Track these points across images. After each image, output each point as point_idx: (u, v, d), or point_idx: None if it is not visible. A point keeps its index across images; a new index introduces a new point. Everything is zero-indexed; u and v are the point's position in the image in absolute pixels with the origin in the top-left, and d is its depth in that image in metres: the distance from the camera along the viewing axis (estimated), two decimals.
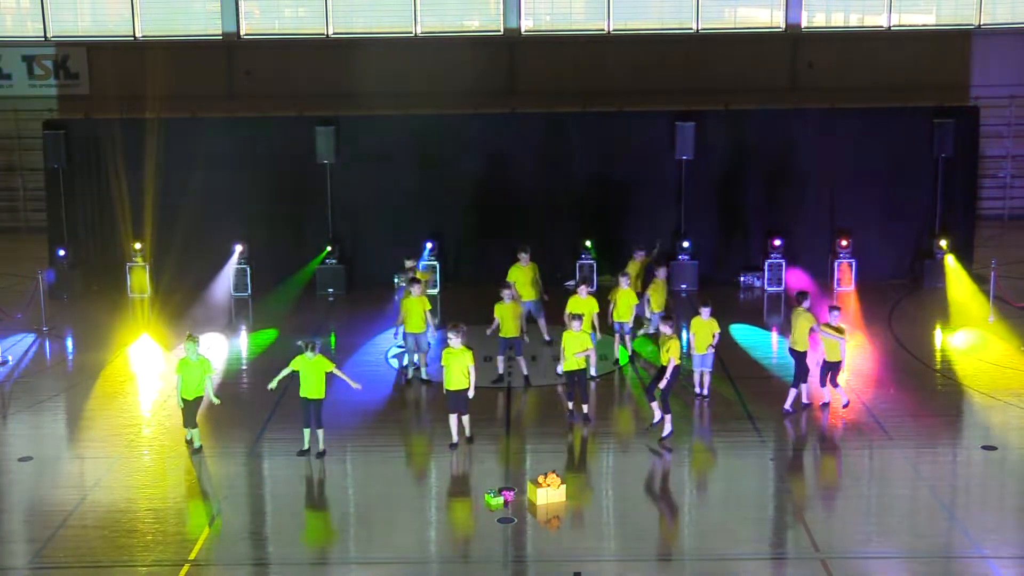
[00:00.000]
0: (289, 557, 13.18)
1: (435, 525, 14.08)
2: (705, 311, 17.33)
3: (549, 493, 14.02)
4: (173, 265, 23.74)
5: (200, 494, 14.83)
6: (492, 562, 12.97)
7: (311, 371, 15.31)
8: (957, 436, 16.51)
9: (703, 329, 17.32)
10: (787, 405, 16.79)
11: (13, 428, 17.05)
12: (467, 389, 15.60)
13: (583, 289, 18.20)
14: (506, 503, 13.99)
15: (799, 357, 16.76)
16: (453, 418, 15.73)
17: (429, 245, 23.92)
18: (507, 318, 18.04)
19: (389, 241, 24.24)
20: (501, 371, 18.46)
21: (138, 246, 23.80)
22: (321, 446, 15.53)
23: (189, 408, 15.58)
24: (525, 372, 18.43)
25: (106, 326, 21.88)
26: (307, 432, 15.50)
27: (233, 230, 23.96)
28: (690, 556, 13.09)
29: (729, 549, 13.19)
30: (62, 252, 23.86)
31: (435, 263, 23.86)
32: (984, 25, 30.02)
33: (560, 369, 17.36)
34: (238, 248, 23.83)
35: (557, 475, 14.22)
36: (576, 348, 16.41)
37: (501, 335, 18.14)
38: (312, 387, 15.32)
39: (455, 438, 15.75)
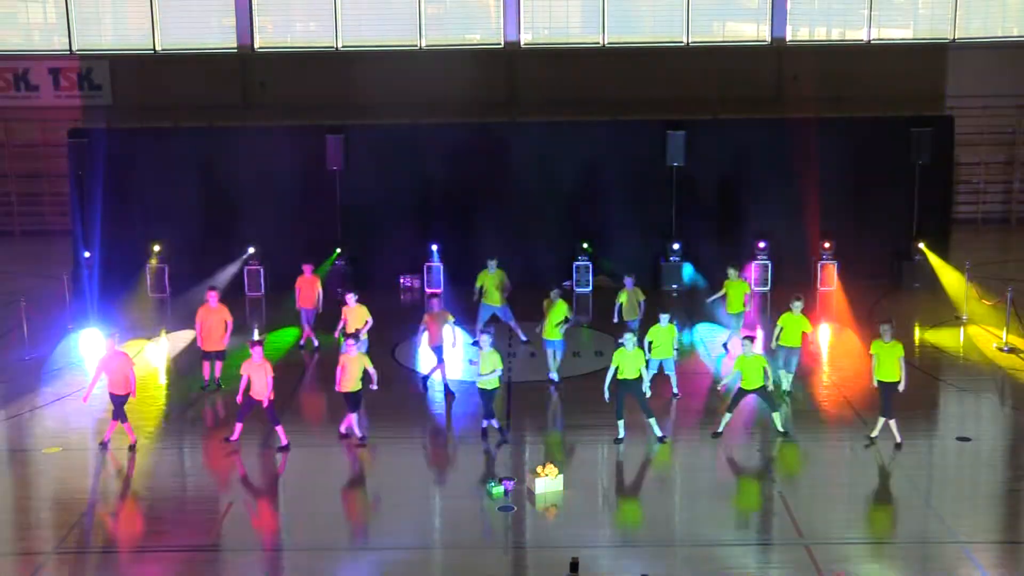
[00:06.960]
0: (301, 543, 13.50)
1: (438, 513, 14.34)
2: (797, 305, 17.16)
3: (547, 482, 14.34)
4: (190, 266, 24.23)
5: (219, 483, 15.27)
6: (493, 548, 13.32)
7: (353, 365, 15.97)
8: (933, 428, 16.93)
9: (793, 324, 17.21)
10: (874, 433, 16.02)
11: (40, 421, 17.35)
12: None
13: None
14: (507, 492, 14.32)
15: (887, 388, 15.71)
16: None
17: (434, 247, 24.59)
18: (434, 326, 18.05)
19: (394, 244, 24.92)
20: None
21: (156, 248, 24.44)
22: (360, 432, 16.10)
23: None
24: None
25: (127, 324, 22.12)
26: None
27: (247, 232, 24.44)
28: (680, 543, 13.39)
29: (718, 536, 13.49)
30: (87, 254, 24.30)
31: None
32: (959, 39, 30.59)
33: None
34: (251, 250, 24.35)
35: (555, 465, 14.52)
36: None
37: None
38: (352, 380, 15.97)
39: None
